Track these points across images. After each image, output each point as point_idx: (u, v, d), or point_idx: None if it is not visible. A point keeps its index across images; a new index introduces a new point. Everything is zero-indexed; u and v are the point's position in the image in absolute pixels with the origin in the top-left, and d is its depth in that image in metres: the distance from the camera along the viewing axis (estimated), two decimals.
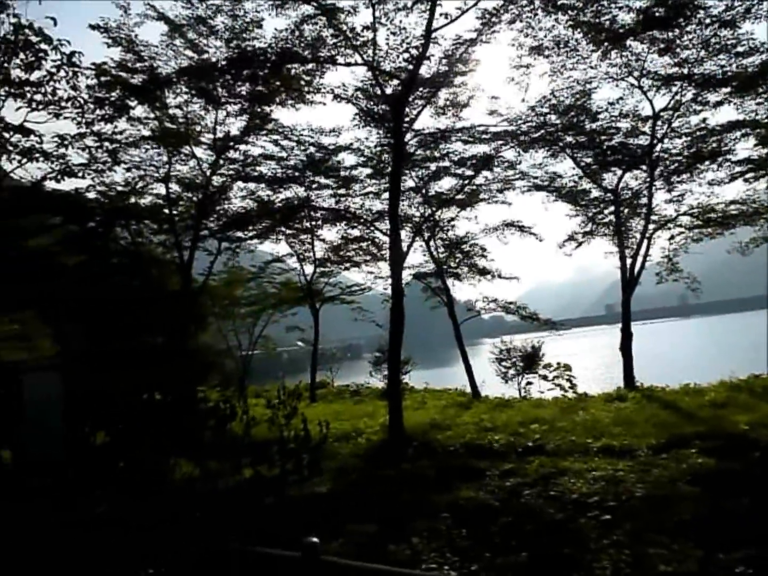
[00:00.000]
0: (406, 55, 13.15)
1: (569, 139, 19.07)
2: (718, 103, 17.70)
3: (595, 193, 20.86)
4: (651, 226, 19.77)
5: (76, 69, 10.37)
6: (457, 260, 23.21)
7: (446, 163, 20.41)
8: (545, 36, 15.61)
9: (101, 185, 17.47)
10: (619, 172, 19.66)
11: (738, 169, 19.12)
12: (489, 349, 24.12)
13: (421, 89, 15.47)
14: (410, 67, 13.21)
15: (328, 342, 45.29)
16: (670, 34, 15.92)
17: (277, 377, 31.51)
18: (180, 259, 19.34)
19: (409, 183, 21.14)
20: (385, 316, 17.48)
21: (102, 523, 7.08)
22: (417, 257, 38.59)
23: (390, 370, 13.52)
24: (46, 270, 13.51)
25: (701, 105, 17.87)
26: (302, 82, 14.88)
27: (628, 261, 19.53)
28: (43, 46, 9.66)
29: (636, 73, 17.60)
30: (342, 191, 21.51)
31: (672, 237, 20.90)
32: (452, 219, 22.78)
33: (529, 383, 21.84)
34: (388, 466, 9.67)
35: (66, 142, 12.15)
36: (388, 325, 13.49)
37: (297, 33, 12.96)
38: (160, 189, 19.23)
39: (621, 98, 18.35)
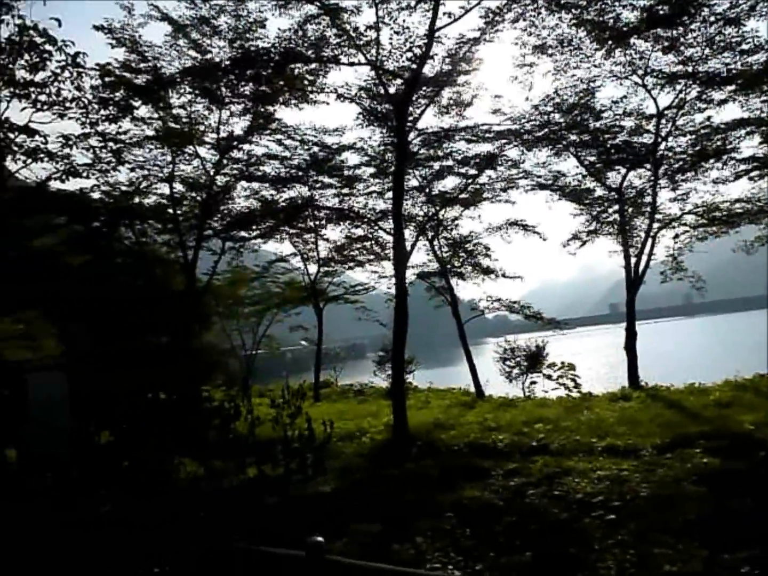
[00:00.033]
0: (409, 55, 13.15)
1: (573, 137, 19.01)
2: (723, 101, 17.64)
3: (599, 191, 20.81)
4: (655, 225, 19.71)
5: (81, 69, 10.40)
6: (460, 259, 23.19)
7: (450, 162, 20.39)
8: (549, 34, 15.60)
9: (105, 185, 17.58)
10: (623, 171, 19.60)
11: (743, 167, 19.04)
12: (493, 349, 24.06)
13: (424, 88, 15.46)
14: (413, 66, 13.20)
15: (332, 341, 45.34)
16: (675, 32, 15.87)
17: (281, 377, 31.64)
18: (184, 258, 19.39)
19: (413, 182, 21.14)
20: (389, 315, 17.48)
21: (106, 523, 7.10)
22: (421, 256, 38.47)
23: (394, 370, 13.52)
24: (50, 270, 13.57)
25: (706, 103, 17.80)
26: (305, 82, 14.90)
27: (633, 260, 19.48)
28: (47, 47, 9.67)
29: (640, 72, 17.55)
30: (345, 191, 21.53)
31: (677, 236, 20.84)
32: (456, 218, 22.79)
33: (533, 383, 21.77)
34: (391, 465, 9.67)
35: (70, 143, 12.19)
36: (392, 325, 13.48)
37: (300, 33, 12.98)
38: (164, 189, 19.34)
39: (625, 96, 18.33)
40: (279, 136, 19.26)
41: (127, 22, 16.26)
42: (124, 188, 18.28)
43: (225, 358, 26.04)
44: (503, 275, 23.05)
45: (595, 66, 17.30)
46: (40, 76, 10.43)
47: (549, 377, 21.32)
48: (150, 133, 17.69)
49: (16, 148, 11.33)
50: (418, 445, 10.96)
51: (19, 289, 12.56)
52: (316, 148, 19.80)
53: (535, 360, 22.02)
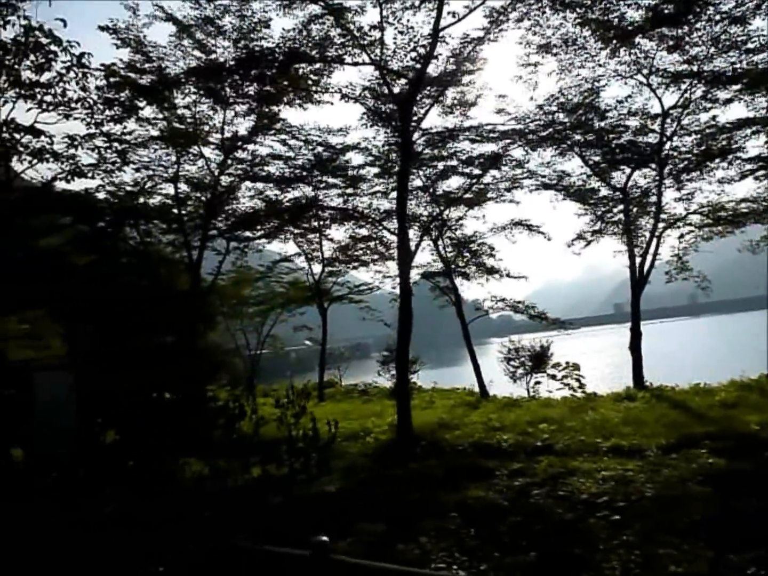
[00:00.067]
0: (413, 54, 13.16)
1: (577, 137, 18.98)
2: (728, 101, 17.56)
3: (604, 191, 20.76)
4: (660, 225, 19.65)
5: (86, 70, 10.45)
6: (465, 259, 23.16)
7: (454, 162, 20.37)
8: (553, 34, 15.58)
9: (111, 185, 17.60)
10: (628, 171, 19.55)
11: (748, 166, 18.96)
12: (497, 349, 24.04)
13: (428, 88, 15.46)
14: (418, 66, 13.21)
15: (336, 341, 45.29)
16: (680, 31, 15.81)
17: (286, 376, 31.69)
18: (189, 258, 19.43)
19: (417, 182, 21.12)
20: (393, 315, 17.49)
21: (112, 522, 7.12)
22: (425, 256, 38.63)
23: (398, 370, 13.52)
24: (56, 270, 13.60)
25: (711, 102, 17.73)
26: (310, 82, 14.91)
27: (638, 260, 19.43)
28: (53, 47, 9.73)
29: (645, 71, 17.50)
30: (350, 191, 21.52)
31: (682, 235, 20.77)
32: (460, 218, 22.78)
33: (537, 383, 21.75)
34: (396, 465, 9.67)
35: (76, 143, 12.25)
36: (396, 325, 13.49)
37: (304, 33, 13.01)
38: (169, 189, 19.38)
39: (630, 96, 18.28)
40: (283, 137, 19.28)
41: (131, 23, 16.31)
42: (129, 188, 18.33)
43: (229, 358, 26.06)
44: (507, 275, 23.01)
45: (600, 65, 17.28)
46: (45, 77, 10.52)
47: (553, 377, 21.30)
48: (155, 133, 17.76)
49: (21, 149, 11.39)
50: (422, 445, 10.96)
51: (25, 289, 12.59)
52: (320, 148, 19.80)
53: (539, 360, 21.99)
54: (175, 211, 19.31)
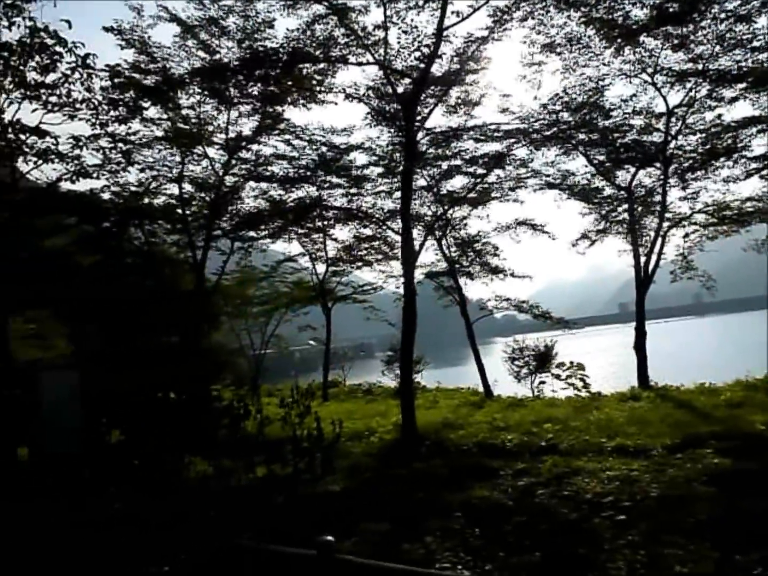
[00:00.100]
0: (417, 54, 13.15)
1: (582, 136, 18.92)
2: (734, 99, 17.49)
3: (609, 190, 20.70)
4: (665, 224, 19.58)
5: (91, 71, 10.50)
6: (469, 259, 23.15)
7: (458, 162, 20.34)
8: (557, 33, 15.55)
9: (115, 186, 17.67)
10: (633, 170, 19.49)
11: (754, 165, 18.88)
12: (501, 348, 24.01)
13: (432, 88, 15.44)
14: (422, 65, 13.20)
15: (340, 341, 45.35)
16: (684, 29, 15.76)
17: (290, 376, 31.74)
18: (193, 258, 19.48)
19: (421, 182, 21.12)
20: (398, 315, 17.46)
21: (117, 521, 7.15)
22: (429, 256, 38.47)
23: (402, 369, 13.51)
24: (61, 270, 13.67)
25: (716, 101, 17.66)
26: (314, 82, 14.93)
27: (642, 259, 19.36)
28: (58, 48, 9.77)
29: (649, 70, 17.44)
30: (354, 190, 21.52)
31: (686, 235, 20.70)
32: (464, 217, 22.75)
33: (542, 382, 21.71)
34: (400, 465, 9.67)
35: (81, 144, 12.27)
36: (401, 324, 13.49)
37: (308, 33, 13.02)
38: (174, 189, 19.42)
39: (634, 95, 18.21)
40: (287, 137, 19.29)
41: (136, 24, 16.34)
42: (133, 189, 18.38)
43: (234, 358, 26.11)
44: (512, 275, 23.02)
45: (604, 64, 17.22)
46: (50, 78, 10.56)
47: (558, 377, 21.25)
48: (159, 133, 17.79)
49: (27, 150, 11.44)
50: (426, 444, 10.95)
51: (31, 289, 12.66)
52: (324, 148, 19.80)
53: (543, 360, 21.96)
54: (180, 211, 19.36)
